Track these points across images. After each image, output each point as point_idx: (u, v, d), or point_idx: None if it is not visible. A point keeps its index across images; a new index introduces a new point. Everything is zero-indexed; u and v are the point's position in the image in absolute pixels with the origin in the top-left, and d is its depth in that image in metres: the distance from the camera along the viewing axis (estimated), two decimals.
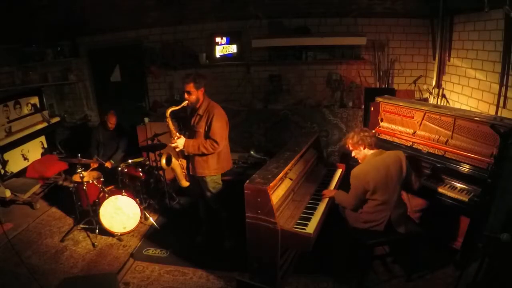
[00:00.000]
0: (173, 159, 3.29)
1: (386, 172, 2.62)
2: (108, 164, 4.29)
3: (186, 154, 3.15)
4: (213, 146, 2.99)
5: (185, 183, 3.40)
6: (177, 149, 3.11)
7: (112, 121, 4.48)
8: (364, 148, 2.75)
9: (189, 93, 2.99)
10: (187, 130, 3.27)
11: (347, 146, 2.89)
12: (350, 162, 3.60)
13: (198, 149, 3.01)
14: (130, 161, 3.99)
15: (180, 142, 3.04)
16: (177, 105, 3.09)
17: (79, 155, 3.71)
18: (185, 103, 3.05)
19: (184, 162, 3.33)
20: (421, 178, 3.11)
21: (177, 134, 3.08)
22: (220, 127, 3.02)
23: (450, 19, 4.29)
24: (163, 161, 3.27)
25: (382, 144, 3.53)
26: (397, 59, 5.15)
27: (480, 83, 3.76)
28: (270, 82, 5.46)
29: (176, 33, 5.49)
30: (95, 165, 4.17)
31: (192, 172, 3.20)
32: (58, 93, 6.11)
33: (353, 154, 2.87)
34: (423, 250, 2.84)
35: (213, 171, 3.15)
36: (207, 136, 3.03)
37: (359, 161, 2.81)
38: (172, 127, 3.06)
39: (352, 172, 2.70)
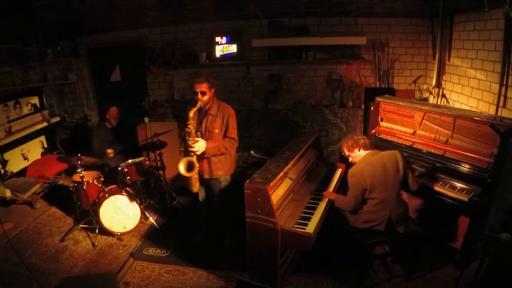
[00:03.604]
0: (196, 164, 2.94)
1: (383, 170, 2.64)
2: (110, 152, 4.17)
3: (205, 156, 2.99)
4: (232, 145, 3.04)
5: (197, 189, 3.15)
6: (198, 153, 2.90)
7: (113, 116, 4.42)
8: (359, 150, 2.81)
9: (203, 93, 2.93)
10: (198, 133, 3.06)
11: (343, 153, 2.96)
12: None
13: (219, 149, 2.98)
14: (130, 160, 3.99)
15: (201, 145, 2.88)
16: (194, 106, 2.91)
17: (79, 154, 3.70)
18: (199, 104, 2.92)
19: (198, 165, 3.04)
20: (418, 178, 3.12)
21: (196, 137, 2.90)
22: (235, 125, 3.09)
23: (450, 18, 4.29)
24: (182, 167, 2.92)
25: (382, 144, 3.54)
26: (397, 59, 5.15)
27: (480, 83, 3.76)
28: (270, 81, 5.46)
29: (176, 32, 5.48)
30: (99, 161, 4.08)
31: (208, 175, 3.10)
32: (58, 93, 6.10)
33: (350, 159, 2.92)
34: (423, 249, 2.85)
35: (227, 171, 3.16)
36: (224, 135, 3.03)
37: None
38: (193, 130, 2.88)
39: (348, 172, 2.74)
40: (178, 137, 3.70)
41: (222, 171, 3.12)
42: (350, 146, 2.83)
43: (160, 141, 4.31)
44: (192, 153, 2.90)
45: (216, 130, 3.02)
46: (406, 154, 3.40)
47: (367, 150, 2.80)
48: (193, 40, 5.48)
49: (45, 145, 5.30)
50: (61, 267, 3.25)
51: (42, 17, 5.13)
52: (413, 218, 3.01)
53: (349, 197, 2.75)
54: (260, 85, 5.55)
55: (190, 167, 2.95)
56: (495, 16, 3.39)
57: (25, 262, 3.17)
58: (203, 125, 3.04)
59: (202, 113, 3.05)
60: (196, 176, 3.06)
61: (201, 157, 2.99)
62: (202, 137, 2.98)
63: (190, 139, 2.87)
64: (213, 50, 5.36)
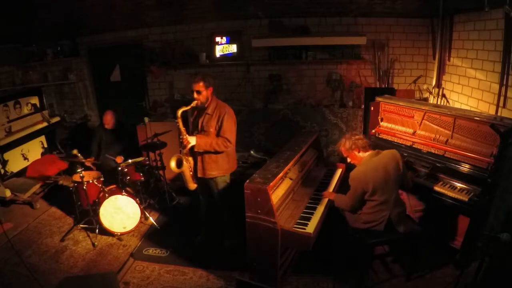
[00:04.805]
0: (184, 162, 3.12)
1: (385, 172, 2.62)
2: (90, 160, 4.10)
3: (195, 151, 3.05)
4: (225, 144, 2.99)
5: (192, 186, 3.24)
6: (189, 146, 2.98)
7: (107, 121, 4.42)
8: (359, 152, 2.76)
9: (198, 92, 2.95)
10: (195, 131, 3.16)
11: (341, 153, 2.92)
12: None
13: (211, 145, 2.98)
14: (130, 160, 3.99)
15: (191, 138, 2.98)
16: (186, 105, 3.01)
17: (75, 150, 3.67)
18: (194, 103, 2.98)
19: (191, 163, 3.18)
20: (412, 176, 3.12)
21: (187, 134, 3.02)
22: (231, 125, 3.04)
23: (450, 18, 4.29)
24: (173, 163, 3.08)
25: (382, 144, 3.54)
26: (397, 59, 5.15)
27: (480, 83, 3.76)
28: (270, 81, 5.46)
29: (176, 32, 5.49)
30: (90, 161, 4.08)
31: (201, 174, 3.13)
32: (58, 93, 6.11)
33: (348, 160, 2.89)
34: (423, 249, 2.84)
35: (223, 172, 3.15)
36: (218, 135, 3.03)
37: (356, 165, 2.82)
38: (182, 127, 2.99)
39: (350, 174, 2.71)
40: (178, 137, 3.71)
41: (217, 171, 3.12)
42: (349, 149, 2.78)
43: (160, 141, 4.32)
44: (185, 146, 3.01)
45: (212, 129, 3.03)
46: (406, 154, 3.40)
47: (367, 151, 2.76)
48: (193, 40, 5.49)
49: (45, 145, 5.30)
50: (61, 267, 3.25)
51: (42, 17, 5.12)
52: (413, 218, 3.01)
53: (348, 197, 2.75)
54: (260, 85, 5.55)
55: (179, 163, 3.11)
56: (495, 16, 3.39)
57: (25, 262, 3.17)
58: (200, 123, 3.07)
59: (201, 112, 3.08)
60: (190, 173, 3.17)
61: (195, 155, 3.10)
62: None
63: (182, 136, 3.00)
64: (213, 50, 5.36)
